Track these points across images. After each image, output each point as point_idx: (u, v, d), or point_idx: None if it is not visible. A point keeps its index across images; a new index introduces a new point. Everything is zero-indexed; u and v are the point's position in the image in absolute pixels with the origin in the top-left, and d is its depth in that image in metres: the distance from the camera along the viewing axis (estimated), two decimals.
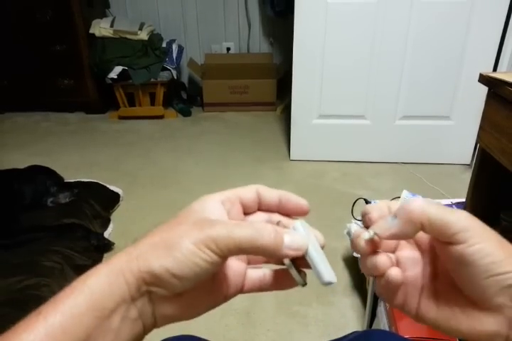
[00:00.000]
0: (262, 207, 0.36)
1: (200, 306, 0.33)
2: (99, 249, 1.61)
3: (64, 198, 1.81)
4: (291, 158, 2.40)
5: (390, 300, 0.34)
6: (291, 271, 0.33)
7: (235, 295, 0.35)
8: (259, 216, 0.36)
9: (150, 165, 2.38)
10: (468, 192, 1.12)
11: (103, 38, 2.87)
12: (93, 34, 2.87)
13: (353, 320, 1.33)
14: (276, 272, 0.36)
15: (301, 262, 0.33)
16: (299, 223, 0.33)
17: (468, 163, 2.27)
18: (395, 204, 0.34)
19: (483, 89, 0.98)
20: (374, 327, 1.17)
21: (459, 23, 1.99)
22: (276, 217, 0.36)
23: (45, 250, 1.49)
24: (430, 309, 0.33)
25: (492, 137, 0.97)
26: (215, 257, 0.29)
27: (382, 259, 0.32)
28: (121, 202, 1.98)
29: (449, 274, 0.32)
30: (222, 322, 1.34)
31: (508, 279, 0.28)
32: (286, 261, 0.33)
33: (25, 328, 0.27)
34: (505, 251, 0.29)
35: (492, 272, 0.29)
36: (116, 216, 1.89)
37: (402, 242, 0.35)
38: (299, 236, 0.32)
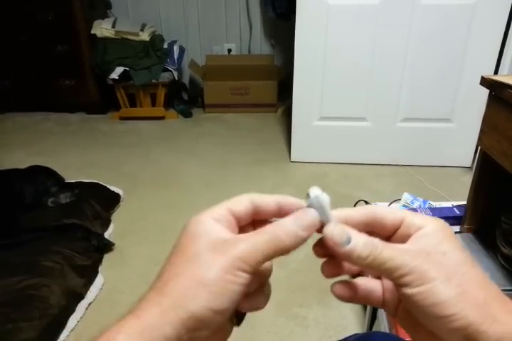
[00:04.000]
0: (259, 215, 0.33)
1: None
2: (99, 250, 1.61)
3: (64, 198, 1.82)
4: (291, 160, 2.39)
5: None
6: None
7: None
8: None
9: (150, 165, 2.38)
10: (469, 195, 1.12)
11: (105, 39, 2.88)
12: (95, 35, 2.87)
13: (353, 322, 1.33)
14: None
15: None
16: (314, 194, 0.31)
17: (469, 165, 2.27)
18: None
19: (484, 92, 0.98)
20: (374, 329, 1.17)
21: (460, 26, 1.99)
22: None
23: (46, 250, 1.49)
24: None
25: (493, 140, 0.96)
26: (248, 276, 0.28)
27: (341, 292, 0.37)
28: (121, 203, 1.98)
29: None
30: None
31: (454, 322, 0.27)
32: None
33: None
34: (456, 288, 0.27)
35: (437, 314, 0.27)
36: (116, 216, 1.89)
37: None
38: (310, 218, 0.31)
